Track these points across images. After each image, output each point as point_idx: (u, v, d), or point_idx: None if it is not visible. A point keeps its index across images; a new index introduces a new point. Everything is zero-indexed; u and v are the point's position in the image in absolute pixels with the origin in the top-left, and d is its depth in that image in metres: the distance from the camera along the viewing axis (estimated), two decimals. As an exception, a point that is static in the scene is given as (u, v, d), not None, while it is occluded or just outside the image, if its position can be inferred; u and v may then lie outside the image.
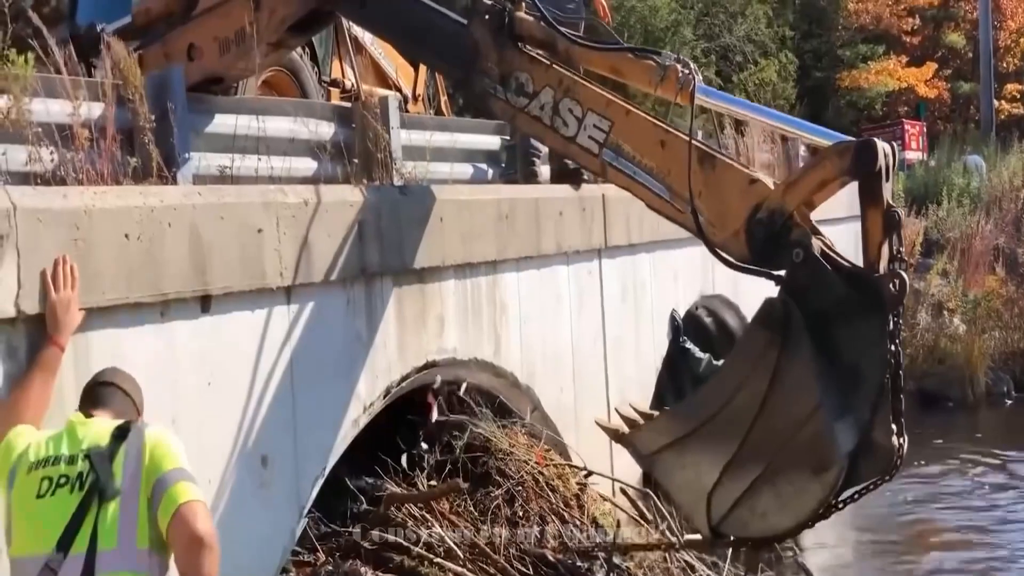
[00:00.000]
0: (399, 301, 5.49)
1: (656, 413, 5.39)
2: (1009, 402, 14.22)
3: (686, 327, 9.00)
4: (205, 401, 4.25)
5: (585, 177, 7.50)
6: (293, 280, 4.70)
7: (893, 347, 4.51)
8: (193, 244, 4.16)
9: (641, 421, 5.30)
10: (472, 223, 6.09)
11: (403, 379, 5.51)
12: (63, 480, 3.03)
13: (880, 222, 4.49)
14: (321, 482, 4.93)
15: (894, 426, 4.60)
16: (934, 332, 14.53)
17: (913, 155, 20.85)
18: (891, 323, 4.49)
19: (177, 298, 4.08)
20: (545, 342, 6.77)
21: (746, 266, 4.77)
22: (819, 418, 4.52)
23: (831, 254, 4.66)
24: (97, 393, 3.37)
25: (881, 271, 4.46)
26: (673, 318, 8.71)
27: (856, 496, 4.85)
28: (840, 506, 4.83)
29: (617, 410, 6.49)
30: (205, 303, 4.24)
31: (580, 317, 7.29)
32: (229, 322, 4.37)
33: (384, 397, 5.38)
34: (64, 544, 2.94)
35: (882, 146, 4.50)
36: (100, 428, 3.17)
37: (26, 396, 3.39)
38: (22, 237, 3.51)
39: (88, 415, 3.26)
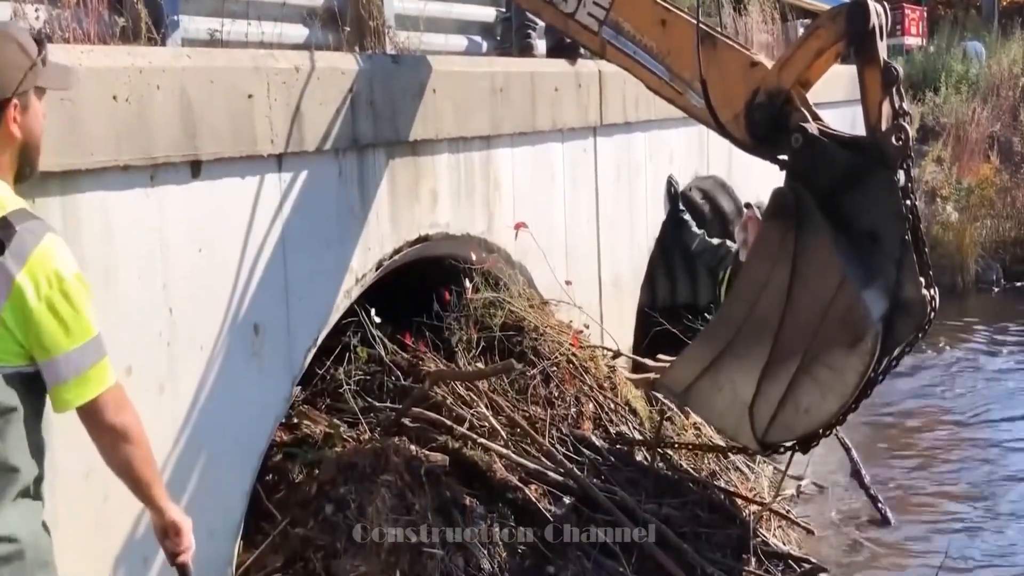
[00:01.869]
0: (392, 173, 5.42)
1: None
2: (996, 290, 14.31)
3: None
4: (196, 268, 4.21)
5: (582, 52, 7.37)
6: (284, 148, 4.62)
7: (908, 201, 4.47)
8: (183, 108, 4.07)
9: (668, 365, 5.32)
10: (466, 96, 5.98)
11: (395, 252, 5.48)
12: None
13: (879, 79, 4.43)
14: (313, 351, 4.93)
15: (922, 279, 4.58)
16: (926, 219, 14.53)
17: (912, 40, 20.48)
18: (901, 177, 4.44)
19: (167, 162, 4.00)
20: (538, 220, 6.73)
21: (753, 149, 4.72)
22: (846, 290, 4.48)
23: (829, 131, 4.61)
24: None
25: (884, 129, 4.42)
26: (670, 184, 8.62)
27: (894, 363, 4.84)
28: (881, 379, 4.81)
29: (644, 362, 6.50)
30: (195, 168, 4.17)
31: (574, 196, 7.24)
32: (220, 188, 4.31)
33: (376, 270, 5.35)
34: None
35: (874, 5, 4.42)
36: None
37: None
38: (7, 95, 3.41)
39: None
